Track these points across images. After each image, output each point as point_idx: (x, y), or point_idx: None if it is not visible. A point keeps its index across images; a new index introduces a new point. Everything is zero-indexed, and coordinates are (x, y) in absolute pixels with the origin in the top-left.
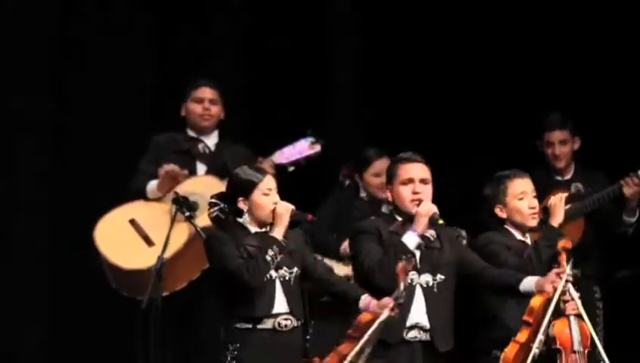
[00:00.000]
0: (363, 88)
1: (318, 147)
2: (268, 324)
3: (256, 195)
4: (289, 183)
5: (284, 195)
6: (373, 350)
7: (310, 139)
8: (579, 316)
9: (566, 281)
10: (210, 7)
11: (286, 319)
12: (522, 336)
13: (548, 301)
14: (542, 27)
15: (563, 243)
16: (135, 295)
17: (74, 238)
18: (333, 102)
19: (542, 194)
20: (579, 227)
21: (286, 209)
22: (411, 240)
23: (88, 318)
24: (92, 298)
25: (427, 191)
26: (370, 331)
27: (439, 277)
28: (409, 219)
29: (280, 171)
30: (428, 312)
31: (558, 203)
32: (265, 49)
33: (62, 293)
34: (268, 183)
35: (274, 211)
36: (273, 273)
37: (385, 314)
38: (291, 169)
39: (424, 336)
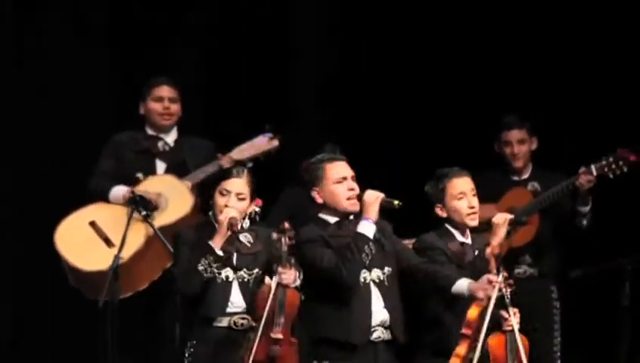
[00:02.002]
0: (325, 86)
1: (276, 143)
2: (224, 322)
3: (216, 193)
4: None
5: None
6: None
7: (268, 135)
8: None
9: (500, 289)
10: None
11: (242, 318)
12: (461, 349)
13: (484, 310)
14: (498, 31)
15: (492, 249)
16: (97, 297)
17: (38, 240)
18: (297, 99)
19: (499, 194)
20: (533, 223)
21: (225, 215)
22: (367, 228)
23: (51, 320)
24: (54, 299)
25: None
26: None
27: (387, 269)
28: (345, 217)
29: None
30: (386, 306)
31: (501, 223)
32: (229, 44)
33: (25, 295)
34: (229, 185)
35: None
36: (230, 275)
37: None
38: (250, 165)
39: (386, 335)
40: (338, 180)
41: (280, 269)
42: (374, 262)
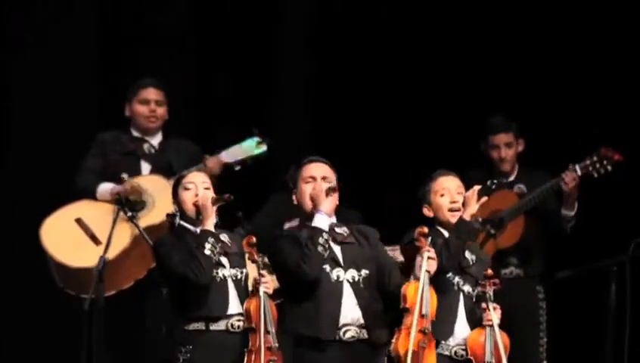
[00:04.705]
0: (313, 91)
1: (264, 147)
2: (221, 325)
3: (180, 191)
4: (236, 184)
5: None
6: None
7: (256, 139)
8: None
9: (429, 258)
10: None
11: (238, 320)
12: (406, 321)
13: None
14: (483, 32)
15: (420, 229)
16: (81, 293)
17: (18, 238)
18: (284, 104)
19: (485, 195)
20: (519, 225)
21: (205, 198)
22: (321, 221)
23: (33, 320)
24: (37, 299)
25: None
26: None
27: (364, 272)
28: (307, 218)
29: (226, 170)
30: (360, 307)
31: (471, 194)
32: (216, 47)
33: (6, 294)
34: (191, 177)
35: (196, 204)
36: (225, 272)
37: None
38: (237, 168)
39: (362, 334)
40: (307, 180)
41: (262, 279)
42: (349, 262)
